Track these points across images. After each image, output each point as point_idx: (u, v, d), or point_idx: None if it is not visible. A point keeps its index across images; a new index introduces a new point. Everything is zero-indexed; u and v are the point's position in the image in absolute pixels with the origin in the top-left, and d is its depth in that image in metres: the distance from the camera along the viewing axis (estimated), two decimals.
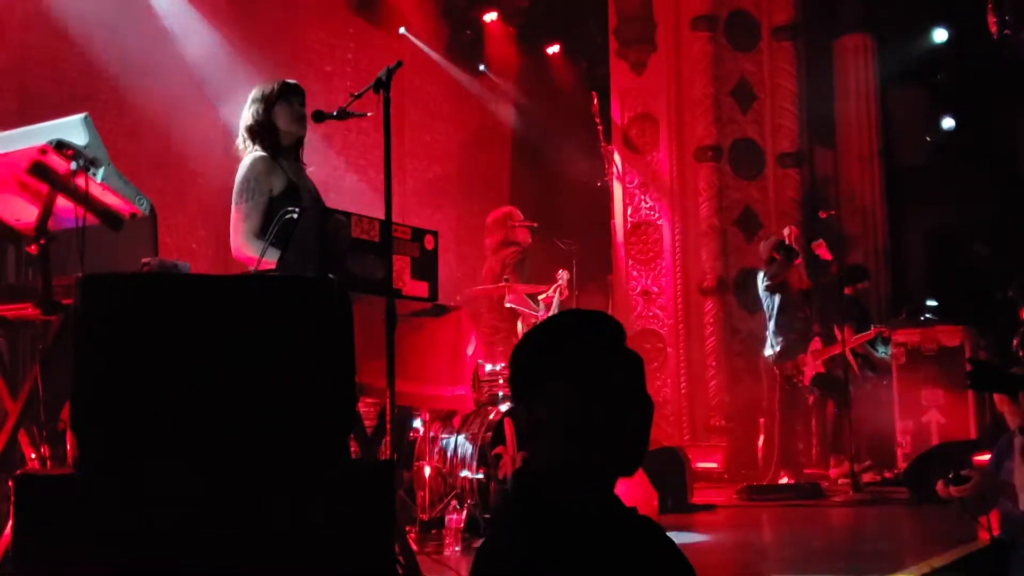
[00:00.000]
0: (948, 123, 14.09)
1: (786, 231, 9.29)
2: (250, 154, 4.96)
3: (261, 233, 4.69)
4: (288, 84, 5.06)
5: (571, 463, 1.99)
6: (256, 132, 4.98)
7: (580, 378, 1.99)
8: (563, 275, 7.88)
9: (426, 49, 11.07)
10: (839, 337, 9.03)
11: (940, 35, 13.08)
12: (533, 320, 7.46)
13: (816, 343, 9.25)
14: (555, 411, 2.00)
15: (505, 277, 7.95)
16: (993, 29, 10.32)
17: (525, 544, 1.97)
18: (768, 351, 9.31)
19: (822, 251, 9.17)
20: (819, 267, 9.48)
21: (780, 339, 9.15)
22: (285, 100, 5.00)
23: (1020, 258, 11.61)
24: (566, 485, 2.00)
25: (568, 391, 1.99)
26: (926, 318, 10.20)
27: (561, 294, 7.80)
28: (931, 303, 12.10)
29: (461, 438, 6.44)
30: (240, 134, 5.04)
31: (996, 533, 4.33)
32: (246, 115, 5.02)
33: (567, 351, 2.03)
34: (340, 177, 9.86)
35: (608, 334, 2.05)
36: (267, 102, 4.99)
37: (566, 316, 2.15)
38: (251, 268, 4.65)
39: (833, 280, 9.75)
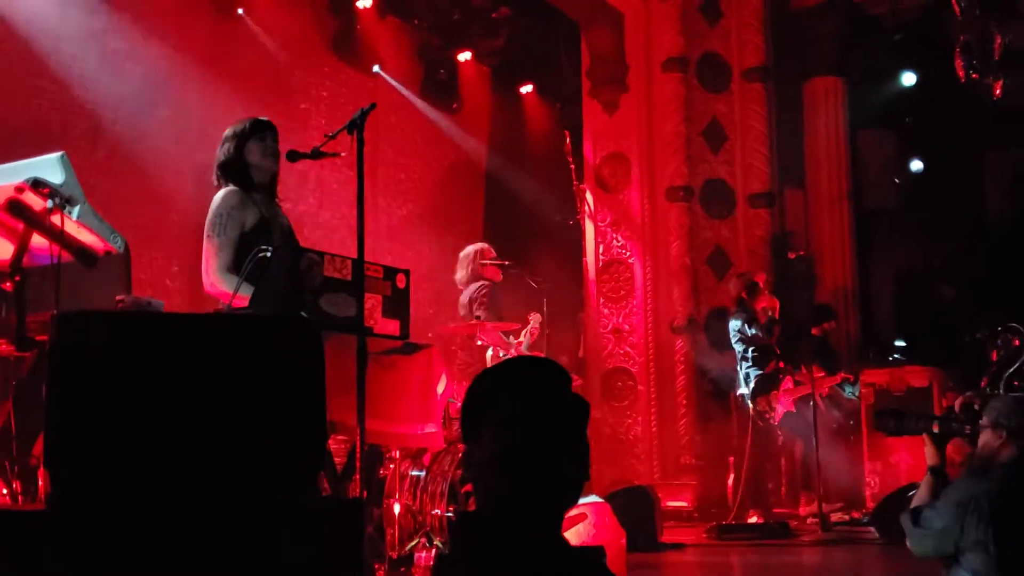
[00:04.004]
0: (916, 165, 14.21)
1: (759, 279, 9.41)
2: (223, 188, 5.02)
3: (234, 267, 4.73)
4: (259, 121, 5.13)
5: (504, 505, 2.04)
6: (228, 169, 5.05)
7: (512, 422, 2.04)
8: (535, 318, 7.83)
9: (401, 88, 11.17)
10: (807, 377, 9.10)
11: (909, 79, 13.20)
12: (506, 356, 7.46)
13: (788, 382, 9.33)
14: (488, 453, 2.06)
15: (477, 314, 7.97)
16: (961, 73, 10.46)
17: None
18: (741, 388, 9.41)
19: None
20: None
21: (753, 376, 9.25)
22: (257, 136, 5.07)
23: (986, 299, 11.73)
24: (504, 526, 2.04)
25: (499, 434, 2.04)
26: (894, 359, 10.30)
27: (531, 336, 7.75)
28: (899, 343, 12.20)
29: (431, 475, 6.44)
30: (215, 172, 5.11)
31: None
32: (219, 153, 5.10)
33: (503, 396, 2.08)
34: (315, 214, 9.90)
35: (547, 381, 2.10)
36: (239, 139, 5.07)
37: (509, 363, 2.20)
38: (223, 302, 4.68)
39: (802, 320, 9.84)
